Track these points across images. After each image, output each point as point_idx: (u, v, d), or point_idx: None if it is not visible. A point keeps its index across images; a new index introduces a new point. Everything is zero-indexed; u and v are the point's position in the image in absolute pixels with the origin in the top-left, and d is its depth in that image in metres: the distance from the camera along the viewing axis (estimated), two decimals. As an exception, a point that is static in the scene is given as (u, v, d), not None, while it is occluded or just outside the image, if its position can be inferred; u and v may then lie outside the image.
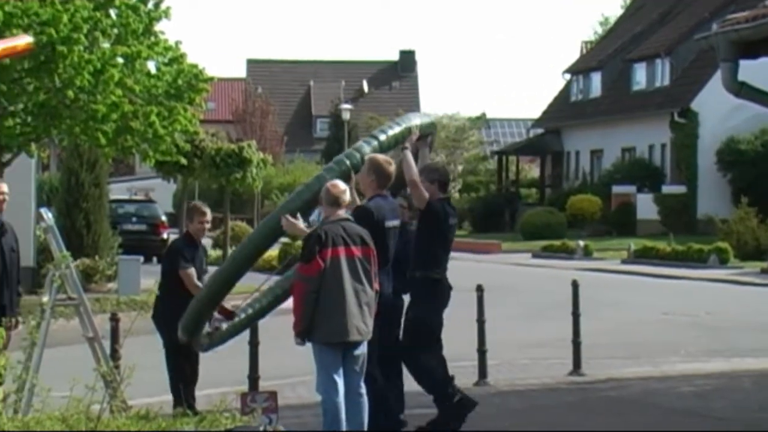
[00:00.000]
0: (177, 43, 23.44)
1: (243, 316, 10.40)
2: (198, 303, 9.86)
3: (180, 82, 22.93)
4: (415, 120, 10.73)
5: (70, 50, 20.36)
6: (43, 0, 20.80)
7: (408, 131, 10.41)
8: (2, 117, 21.34)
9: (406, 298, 10.61)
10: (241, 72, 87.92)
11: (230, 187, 31.52)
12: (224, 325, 10.28)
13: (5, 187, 10.94)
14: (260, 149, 32.50)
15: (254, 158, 30.35)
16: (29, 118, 21.60)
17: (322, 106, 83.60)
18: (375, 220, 9.70)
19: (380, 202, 9.96)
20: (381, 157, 10.05)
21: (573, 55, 73.40)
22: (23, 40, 11.89)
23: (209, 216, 11.46)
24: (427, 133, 10.90)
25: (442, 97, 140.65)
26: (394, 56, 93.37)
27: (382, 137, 10.31)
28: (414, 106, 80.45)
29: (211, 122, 52.76)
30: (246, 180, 30.35)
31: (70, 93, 20.81)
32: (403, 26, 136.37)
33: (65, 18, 20.44)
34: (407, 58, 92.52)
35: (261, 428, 8.51)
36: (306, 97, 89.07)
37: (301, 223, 9.41)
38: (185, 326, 9.88)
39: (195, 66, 23.40)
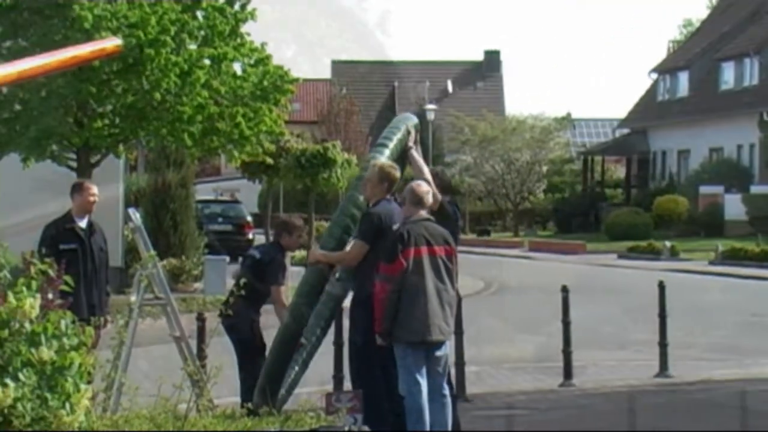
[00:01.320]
0: (263, 44, 23.56)
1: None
2: (271, 368, 9.99)
3: (265, 83, 23.03)
4: (409, 121, 10.99)
5: (158, 52, 20.55)
6: (131, 2, 21.01)
7: (407, 133, 10.68)
8: (91, 119, 21.59)
9: None
10: (326, 73, 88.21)
11: (315, 188, 31.60)
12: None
13: (95, 189, 11.07)
14: (345, 149, 32.57)
15: (339, 158, 30.42)
16: (117, 120, 21.83)
17: (407, 106, 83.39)
18: (385, 225, 9.73)
19: (387, 206, 9.98)
20: (387, 163, 10.12)
21: (660, 55, 72.68)
22: (111, 43, 11.97)
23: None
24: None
25: (526, 97, 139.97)
26: (479, 56, 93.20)
27: (390, 144, 10.47)
28: (498, 106, 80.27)
29: (296, 123, 53.01)
30: (331, 180, 30.44)
31: (157, 95, 21.01)
32: (489, 26, 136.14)
33: (153, 20, 20.64)
34: (492, 58, 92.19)
35: (346, 428, 8.52)
36: (390, 97, 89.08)
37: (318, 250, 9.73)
38: (266, 382, 9.90)
39: (280, 67, 23.49)
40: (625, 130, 62.84)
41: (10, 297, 6.30)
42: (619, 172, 66.42)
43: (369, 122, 79.89)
